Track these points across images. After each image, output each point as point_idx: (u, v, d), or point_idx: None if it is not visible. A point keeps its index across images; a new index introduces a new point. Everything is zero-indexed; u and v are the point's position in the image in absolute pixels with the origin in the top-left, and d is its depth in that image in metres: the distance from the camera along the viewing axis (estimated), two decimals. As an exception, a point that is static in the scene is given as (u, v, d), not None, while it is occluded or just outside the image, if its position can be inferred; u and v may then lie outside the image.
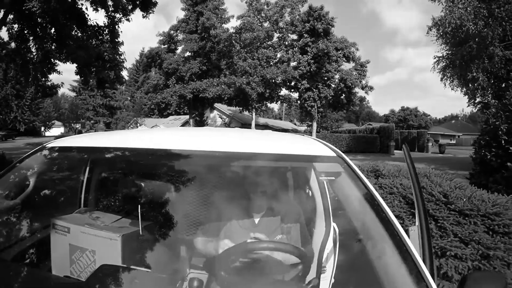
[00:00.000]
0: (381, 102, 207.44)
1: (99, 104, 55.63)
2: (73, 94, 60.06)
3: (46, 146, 1.64)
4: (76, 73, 12.09)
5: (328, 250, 1.84)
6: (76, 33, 11.77)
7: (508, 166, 3.94)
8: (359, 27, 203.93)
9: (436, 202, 2.67)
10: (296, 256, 1.36)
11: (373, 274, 1.07)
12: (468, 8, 12.82)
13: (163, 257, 1.38)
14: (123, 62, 11.17)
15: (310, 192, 1.91)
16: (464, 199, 2.72)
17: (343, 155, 1.47)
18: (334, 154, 1.44)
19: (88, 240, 1.50)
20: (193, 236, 1.53)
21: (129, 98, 63.26)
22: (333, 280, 1.75)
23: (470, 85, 15.96)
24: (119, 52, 11.46)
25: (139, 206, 1.65)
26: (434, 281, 0.95)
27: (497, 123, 4.28)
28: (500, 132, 4.15)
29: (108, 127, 51.68)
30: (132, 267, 1.28)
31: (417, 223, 1.14)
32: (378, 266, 1.09)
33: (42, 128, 57.21)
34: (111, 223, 1.66)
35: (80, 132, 37.80)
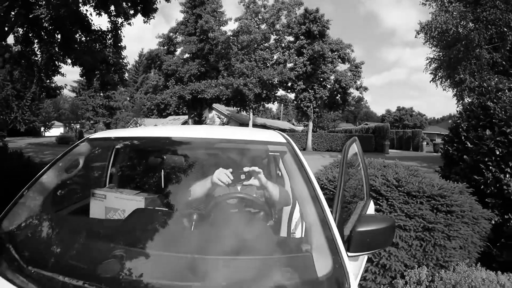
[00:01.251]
0: (380, 102, 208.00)
1: (98, 104, 56.19)
2: (73, 94, 60.43)
3: (88, 137, 2.26)
4: (81, 75, 12.67)
5: (296, 219, 2.45)
6: (80, 37, 12.33)
7: (465, 159, 4.58)
8: (358, 27, 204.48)
9: (389, 186, 3.26)
10: (257, 206, 1.97)
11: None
12: (454, 13, 13.42)
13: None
14: (127, 65, 11.76)
15: (280, 172, 2.53)
16: (414, 183, 3.34)
17: (291, 140, 2.08)
18: (285, 140, 2.07)
19: (119, 202, 2.13)
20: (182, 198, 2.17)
21: (128, 99, 63.71)
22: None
23: (458, 86, 16.57)
24: (122, 56, 12.04)
25: (154, 180, 2.29)
26: (341, 237, 1.49)
27: (458, 121, 4.93)
28: (460, 129, 4.78)
29: (108, 127, 52.22)
30: (157, 208, 1.91)
31: (334, 205, 1.70)
32: (307, 227, 1.67)
33: (42, 129, 57.44)
34: (133, 195, 2.28)
35: (81, 132, 38.24)
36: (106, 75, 11.29)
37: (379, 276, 3.04)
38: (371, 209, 2.77)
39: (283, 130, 33.43)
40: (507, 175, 4.02)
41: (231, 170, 1.86)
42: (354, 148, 2.47)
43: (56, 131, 55.95)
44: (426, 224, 3.05)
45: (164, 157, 2.31)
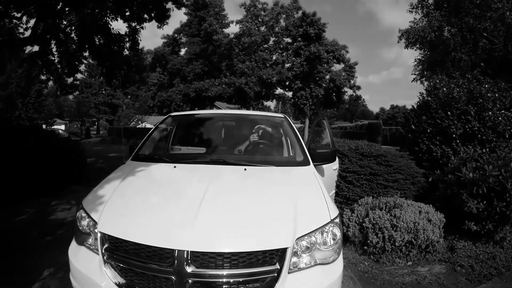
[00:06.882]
0: (378, 101, 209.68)
1: (100, 102, 57.80)
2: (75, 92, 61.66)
3: (171, 114, 4.05)
4: (102, 75, 14.36)
5: (288, 150, 4.25)
6: (99, 40, 13.94)
7: (409, 137, 6.36)
8: (358, 26, 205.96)
9: (350, 150, 5.07)
10: (269, 144, 3.74)
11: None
12: (432, 22, 15.20)
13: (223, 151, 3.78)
14: (147, 67, 13.48)
15: (284, 135, 4.33)
16: (367, 149, 5.13)
17: (287, 116, 3.88)
18: (283, 116, 3.87)
19: (189, 151, 3.90)
20: (232, 143, 3.91)
21: (129, 96, 65.14)
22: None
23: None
24: (140, 57, 13.73)
25: (203, 139, 4.11)
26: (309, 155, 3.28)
27: (408, 111, 6.73)
28: (409, 117, 6.57)
29: (111, 124, 53.87)
30: (220, 147, 3.71)
31: (306, 142, 3.51)
32: (294, 152, 3.46)
33: (44, 126, 58.58)
34: (196, 148, 4.05)
35: (88, 129, 39.90)
36: (129, 75, 12.96)
37: (343, 204, 4.85)
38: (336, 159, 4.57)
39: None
40: (436, 146, 5.81)
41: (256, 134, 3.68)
42: (324, 123, 4.32)
43: (57, 128, 57.42)
44: (372, 171, 4.86)
45: (221, 123, 4.14)
